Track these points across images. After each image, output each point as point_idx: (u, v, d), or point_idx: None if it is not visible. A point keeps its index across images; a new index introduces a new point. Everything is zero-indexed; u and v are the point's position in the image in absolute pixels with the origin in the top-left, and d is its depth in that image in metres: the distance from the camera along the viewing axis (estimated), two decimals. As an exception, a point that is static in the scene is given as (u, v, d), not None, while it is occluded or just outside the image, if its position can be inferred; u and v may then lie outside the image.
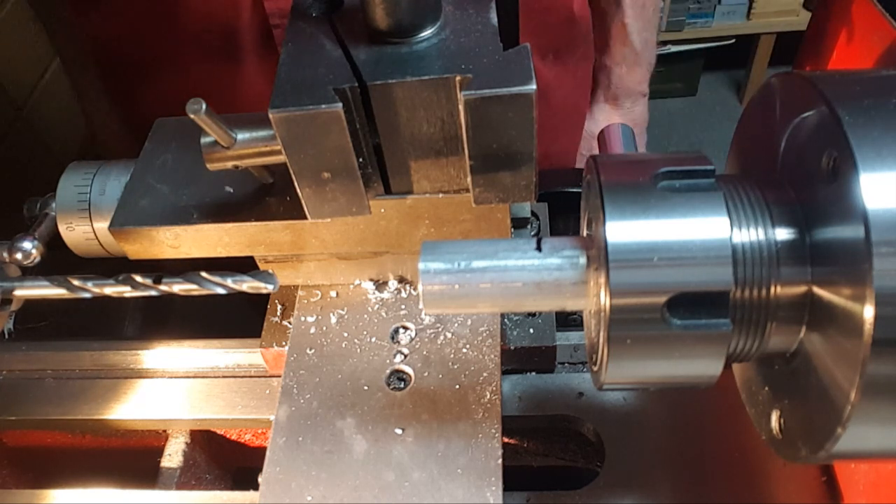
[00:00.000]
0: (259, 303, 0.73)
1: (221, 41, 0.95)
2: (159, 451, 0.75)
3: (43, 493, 0.71)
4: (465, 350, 0.66)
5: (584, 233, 0.48)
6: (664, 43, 2.86)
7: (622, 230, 0.40)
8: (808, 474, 0.63)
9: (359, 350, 0.67)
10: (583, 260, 0.45)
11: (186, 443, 0.75)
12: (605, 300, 0.41)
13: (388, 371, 0.65)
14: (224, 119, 0.54)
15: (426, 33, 0.53)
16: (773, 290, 0.41)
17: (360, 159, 0.54)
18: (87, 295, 0.59)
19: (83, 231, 0.67)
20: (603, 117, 1.23)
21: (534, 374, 0.71)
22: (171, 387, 0.75)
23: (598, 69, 1.22)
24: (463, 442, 0.60)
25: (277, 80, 0.52)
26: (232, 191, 0.64)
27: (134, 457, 0.81)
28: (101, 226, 0.65)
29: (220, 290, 0.59)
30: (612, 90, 1.21)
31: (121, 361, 0.78)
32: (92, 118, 1.17)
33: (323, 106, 0.50)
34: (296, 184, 0.55)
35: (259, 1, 0.91)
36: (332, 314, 0.70)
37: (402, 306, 0.70)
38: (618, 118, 1.22)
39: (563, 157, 1.27)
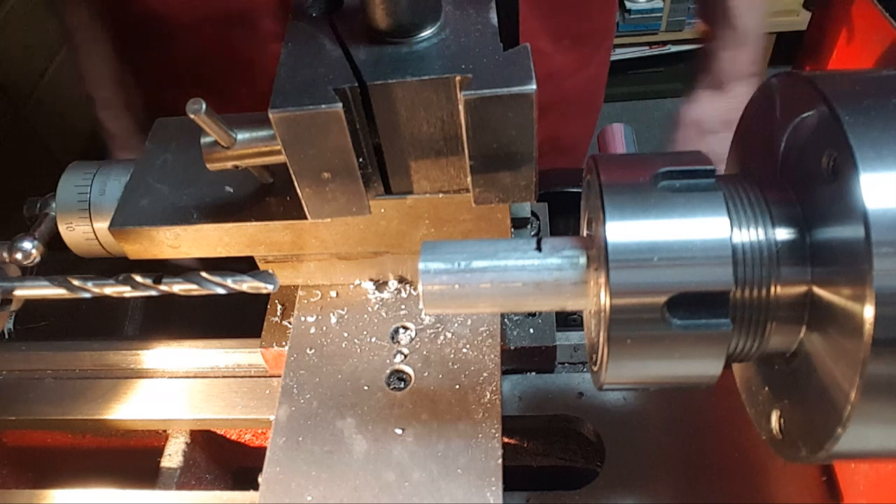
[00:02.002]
0: (259, 303, 0.73)
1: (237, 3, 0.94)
2: (159, 451, 0.75)
3: (43, 493, 0.71)
4: (465, 350, 0.66)
5: (584, 233, 0.48)
6: (664, 43, 2.86)
7: (622, 230, 0.40)
8: (808, 474, 0.63)
9: (359, 350, 0.67)
10: (583, 260, 0.45)
11: (186, 443, 0.75)
12: (605, 300, 0.41)
13: (388, 371, 0.65)
14: (224, 119, 0.54)
15: (426, 33, 0.53)
16: (773, 290, 0.41)
17: (360, 159, 0.54)
18: (87, 295, 0.59)
19: (83, 231, 0.67)
20: (708, 103, 1.16)
21: (534, 374, 0.71)
22: (171, 387, 0.75)
23: (702, 53, 1.16)
24: (463, 442, 0.60)
25: (277, 80, 0.52)
26: (232, 191, 0.64)
27: (134, 457, 0.81)
28: (101, 226, 0.65)
29: (220, 290, 0.59)
30: (717, 75, 1.15)
31: (121, 361, 0.78)
32: (95, 97, 1.14)
33: (323, 106, 0.50)
34: (296, 184, 0.55)
35: None
36: (332, 314, 0.70)
37: (402, 306, 0.70)
38: (723, 103, 1.18)
39: (573, 144, 1.25)
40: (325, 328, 0.69)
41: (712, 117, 1.13)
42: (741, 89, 1.13)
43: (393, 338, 0.68)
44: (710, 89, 1.15)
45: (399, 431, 0.61)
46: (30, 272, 0.66)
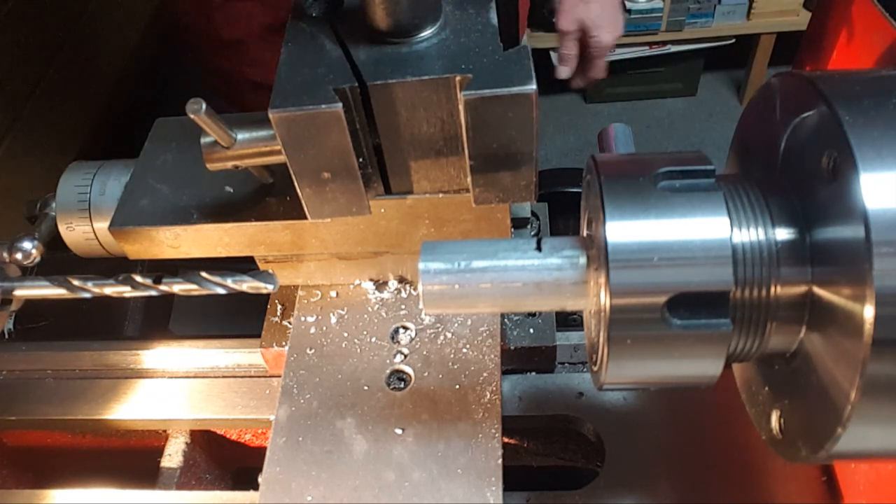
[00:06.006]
0: (259, 302, 0.73)
1: None
2: (159, 451, 0.75)
3: (43, 493, 0.71)
4: (465, 350, 0.66)
5: (584, 233, 0.48)
6: (664, 43, 2.86)
7: (622, 230, 0.40)
8: (808, 474, 0.63)
9: (359, 350, 0.67)
10: (583, 260, 0.45)
11: (186, 443, 0.75)
12: (605, 300, 0.40)
13: (388, 371, 0.65)
14: (224, 119, 0.54)
15: (426, 33, 0.53)
16: (773, 290, 0.41)
17: (360, 159, 0.54)
18: (87, 295, 0.59)
19: (83, 231, 0.67)
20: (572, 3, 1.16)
21: (534, 374, 0.71)
22: (171, 387, 0.75)
23: None
24: (463, 442, 0.60)
25: (277, 80, 0.52)
26: (232, 191, 0.64)
27: (134, 457, 0.81)
28: (101, 226, 0.65)
29: (220, 290, 0.59)
30: None
31: (121, 361, 0.78)
32: None
33: (323, 106, 0.50)
34: (296, 184, 0.55)
35: None
36: (332, 314, 0.70)
37: (402, 306, 0.70)
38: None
39: None
40: (325, 328, 0.69)
41: None
42: None
43: (393, 338, 0.68)
44: None
45: (399, 431, 0.61)
46: (30, 272, 0.66)
